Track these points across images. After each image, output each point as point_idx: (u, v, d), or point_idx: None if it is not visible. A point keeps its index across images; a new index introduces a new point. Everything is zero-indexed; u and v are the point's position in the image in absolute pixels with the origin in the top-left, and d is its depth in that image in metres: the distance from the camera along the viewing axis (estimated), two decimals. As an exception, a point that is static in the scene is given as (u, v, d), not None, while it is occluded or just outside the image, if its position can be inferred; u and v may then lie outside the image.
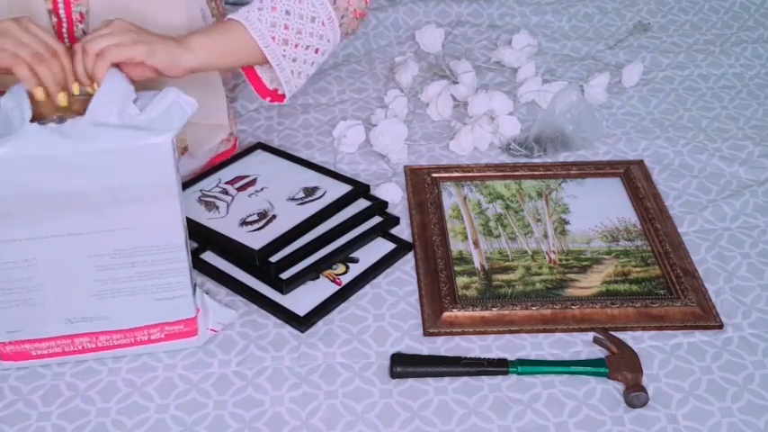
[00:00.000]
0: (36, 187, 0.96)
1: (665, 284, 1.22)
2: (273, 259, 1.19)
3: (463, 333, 1.15)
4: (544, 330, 1.15)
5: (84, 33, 1.23)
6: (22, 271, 1.01)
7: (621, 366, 1.08)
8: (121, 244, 1.02)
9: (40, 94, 1.02)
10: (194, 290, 1.09)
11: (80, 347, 1.08)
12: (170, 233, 1.03)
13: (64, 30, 1.22)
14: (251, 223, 1.24)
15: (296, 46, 1.17)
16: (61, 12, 1.20)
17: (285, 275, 1.18)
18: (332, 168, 1.39)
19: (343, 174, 1.38)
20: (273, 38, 1.15)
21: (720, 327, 1.16)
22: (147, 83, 1.09)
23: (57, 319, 1.06)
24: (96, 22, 1.20)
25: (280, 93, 1.26)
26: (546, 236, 1.31)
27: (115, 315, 1.07)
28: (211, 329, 1.13)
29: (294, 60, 1.18)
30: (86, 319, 1.06)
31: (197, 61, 1.11)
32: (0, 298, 1.02)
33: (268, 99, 1.25)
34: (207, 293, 1.16)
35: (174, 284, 1.06)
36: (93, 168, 0.96)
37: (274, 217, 1.25)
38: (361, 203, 1.30)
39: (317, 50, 1.20)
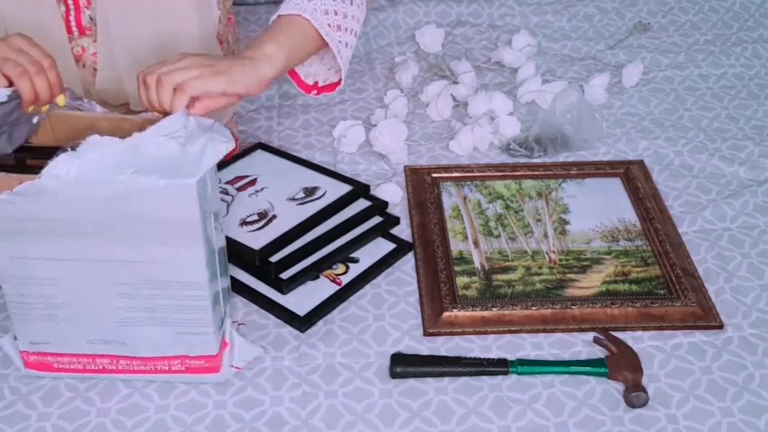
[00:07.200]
0: (69, 209, 0.94)
1: (665, 284, 1.22)
2: (273, 259, 1.19)
3: (463, 333, 1.15)
4: (544, 330, 1.15)
5: (92, 20, 1.23)
6: (45, 288, 1.00)
7: (621, 366, 1.08)
8: (144, 275, 0.99)
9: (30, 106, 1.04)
10: (221, 325, 1.07)
11: (101, 367, 1.07)
12: (192, 272, 0.99)
13: (71, 17, 1.22)
14: (251, 223, 1.24)
15: (346, 30, 1.15)
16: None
17: (285, 275, 1.18)
18: (332, 168, 1.39)
19: (343, 174, 1.37)
20: (329, 25, 1.13)
21: (720, 327, 1.16)
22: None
23: (78, 338, 1.04)
24: (108, 6, 1.20)
25: (320, 84, 1.25)
26: (546, 236, 1.30)
27: (134, 342, 1.04)
28: (235, 367, 1.08)
29: (347, 46, 1.17)
30: (107, 342, 1.04)
31: (274, 72, 1.09)
32: (24, 310, 1.02)
33: (314, 93, 1.25)
34: (238, 330, 1.11)
35: (195, 321, 1.02)
36: (121, 197, 0.93)
37: (274, 217, 1.25)
38: (361, 203, 1.30)
39: (355, 34, 1.18)
